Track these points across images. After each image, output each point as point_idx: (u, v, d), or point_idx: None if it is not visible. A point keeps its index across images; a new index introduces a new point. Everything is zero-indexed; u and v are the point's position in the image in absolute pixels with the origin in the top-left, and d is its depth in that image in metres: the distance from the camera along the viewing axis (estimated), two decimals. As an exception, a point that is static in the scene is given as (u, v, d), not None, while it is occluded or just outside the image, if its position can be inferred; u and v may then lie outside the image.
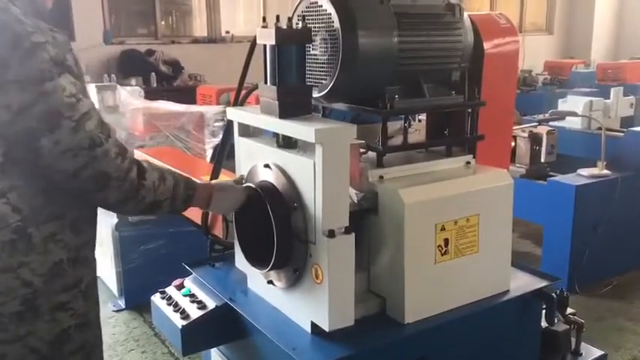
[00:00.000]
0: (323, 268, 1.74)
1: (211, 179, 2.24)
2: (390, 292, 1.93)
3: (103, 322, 3.60)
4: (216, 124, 3.94)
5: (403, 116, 2.21)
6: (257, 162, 1.96)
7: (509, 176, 2.08)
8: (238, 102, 2.18)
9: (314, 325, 1.83)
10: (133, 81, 7.83)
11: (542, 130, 4.32)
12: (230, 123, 2.14)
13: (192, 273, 2.32)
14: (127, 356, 3.38)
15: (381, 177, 1.95)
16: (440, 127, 2.18)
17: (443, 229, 1.92)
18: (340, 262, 1.74)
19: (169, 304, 2.20)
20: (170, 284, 2.29)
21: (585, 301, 4.01)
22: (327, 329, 1.77)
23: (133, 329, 3.66)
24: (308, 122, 1.75)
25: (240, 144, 2.09)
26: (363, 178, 1.93)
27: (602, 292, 4.17)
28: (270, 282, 1.98)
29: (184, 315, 2.11)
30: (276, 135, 1.92)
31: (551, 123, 4.88)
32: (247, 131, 2.07)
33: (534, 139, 4.38)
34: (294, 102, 1.82)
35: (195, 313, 2.12)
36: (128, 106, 3.65)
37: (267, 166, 1.91)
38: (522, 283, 2.19)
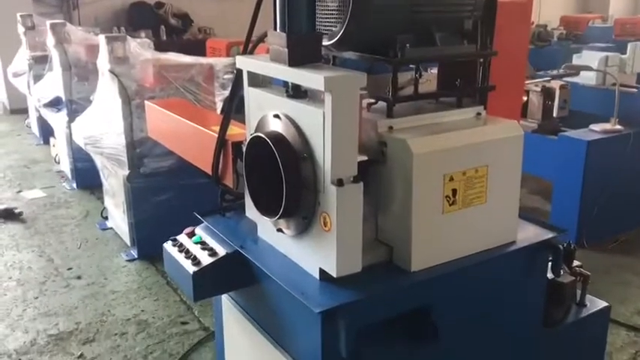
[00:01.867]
0: (331, 216, 1.76)
1: (221, 130, 2.25)
2: (398, 240, 1.96)
3: (116, 272, 3.72)
4: (226, 76, 3.92)
5: (414, 66, 2.20)
6: (267, 112, 1.97)
7: (520, 128, 2.07)
8: (248, 50, 2.17)
9: (322, 272, 1.87)
10: (143, 34, 7.78)
11: (555, 84, 4.28)
12: (239, 72, 2.14)
13: (203, 222, 2.36)
14: (141, 303, 3.47)
15: (391, 127, 1.95)
16: (451, 77, 2.16)
17: (451, 179, 1.93)
18: (348, 211, 1.76)
19: (181, 251, 2.25)
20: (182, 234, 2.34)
21: (593, 256, 4.04)
22: (334, 275, 1.80)
23: (145, 278, 3.74)
24: (318, 70, 1.75)
25: (250, 94, 2.09)
26: (372, 129, 1.94)
27: (609, 248, 4.20)
28: (279, 230, 2.01)
29: (195, 261, 2.15)
30: (285, 85, 1.91)
31: (565, 79, 4.83)
32: (257, 81, 2.07)
33: (547, 94, 4.35)
34: (303, 49, 1.81)
35: (206, 259, 2.16)
36: (138, 58, 3.64)
37: (276, 116, 1.91)
38: (529, 234, 2.21)
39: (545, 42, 8.81)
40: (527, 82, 4.48)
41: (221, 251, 2.18)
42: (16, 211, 4.72)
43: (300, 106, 1.82)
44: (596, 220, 4.12)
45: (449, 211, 1.95)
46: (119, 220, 4.15)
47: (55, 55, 5.05)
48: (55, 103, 5.29)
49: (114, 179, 4.02)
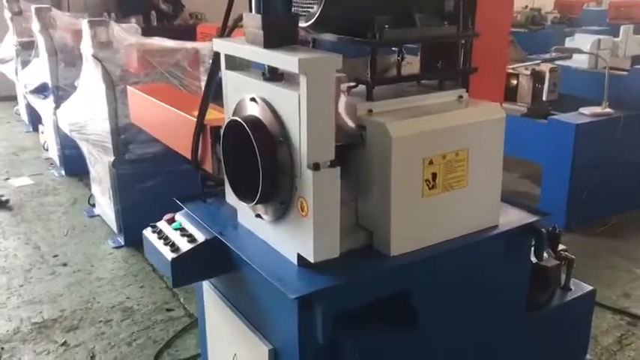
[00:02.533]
0: (308, 200, 1.74)
1: (199, 115, 2.22)
2: (377, 225, 1.94)
3: (102, 259, 3.69)
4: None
5: (397, 49, 2.17)
6: (244, 96, 1.93)
7: (502, 110, 2.04)
8: (225, 33, 2.13)
9: (300, 257, 1.84)
10: (133, 20, 7.68)
11: (545, 67, 4.25)
12: (217, 56, 2.10)
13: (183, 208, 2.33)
14: (126, 290, 3.45)
15: (370, 110, 1.92)
16: (433, 60, 2.12)
17: (431, 163, 1.90)
18: (325, 195, 1.73)
19: (160, 238, 2.22)
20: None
21: (582, 240, 4.03)
22: (312, 260, 1.78)
23: (131, 265, 3.72)
24: (293, 52, 1.71)
25: (228, 78, 2.05)
26: (351, 112, 1.91)
27: (599, 232, 4.19)
28: (258, 216, 1.98)
29: (174, 248, 2.13)
30: (263, 68, 1.88)
31: (557, 63, 4.78)
32: (234, 64, 2.03)
33: (536, 77, 4.32)
34: (279, 31, 1.78)
35: (185, 246, 2.14)
36: (122, 42, 3.58)
37: (253, 99, 1.88)
38: (512, 218, 2.19)
39: (538, 26, 8.74)
40: (517, 65, 4.45)
41: (200, 237, 2.16)
42: (3, 199, 4.68)
43: (276, 89, 1.79)
44: (586, 204, 4.11)
45: (429, 195, 1.92)
46: (106, 207, 4.12)
47: (40, 41, 4.99)
48: (41, 90, 5.23)
49: (100, 166, 3.99)
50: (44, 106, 5.21)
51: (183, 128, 2.41)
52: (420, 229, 1.95)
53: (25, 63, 5.94)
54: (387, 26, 1.88)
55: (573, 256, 2.54)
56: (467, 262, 2.04)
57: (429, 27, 1.97)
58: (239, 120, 1.86)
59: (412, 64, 2.23)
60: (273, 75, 1.84)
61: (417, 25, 1.94)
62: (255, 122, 1.83)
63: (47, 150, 5.79)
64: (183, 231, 2.22)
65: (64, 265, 3.73)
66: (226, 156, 2.01)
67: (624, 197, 4.41)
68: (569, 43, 5.34)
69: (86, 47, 3.61)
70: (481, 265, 2.09)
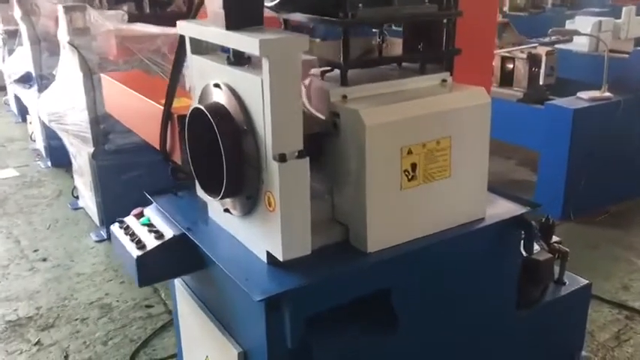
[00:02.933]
0: (275, 195, 1.61)
1: (166, 103, 2.09)
2: (353, 220, 1.81)
3: (83, 253, 3.57)
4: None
5: (377, 30, 2.03)
6: (209, 82, 1.80)
7: (487, 95, 1.90)
8: (191, 15, 1.99)
9: (270, 255, 1.72)
10: (125, 7, 7.50)
11: (542, 50, 4.09)
12: (182, 39, 1.96)
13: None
14: (106, 286, 3.33)
15: (344, 96, 1.78)
16: (414, 41, 1.98)
17: (410, 152, 1.77)
18: (293, 189, 1.60)
19: (127, 234, 2.10)
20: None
21: (580, 229, 3.90)
22: (281, 259, 1.66)
23: (113, 260, 3.60)
24: (256, 33, 1.58)
25: (193, 62, 1.92)
26: (324, 98, 1.78)
27: (597, 220, 4.04)
28: (226, 210, 1.86)
29: (140, 245, 2.01)
30: (228, 52, 1.75)
31: (558, 46, 4.62)
32: (200, 48, 1.89)
33: (533, 61, 4.16)
34: (242, 11, 1.64)
35: (151, 243, 2.02)
36: (99, 29, 3.44)
37: (217, 85, 1.75)
38: (500, 210, 2.05)
39: (539, 9, 8.54)
40: (512, 48, 4.29)
41: (168, 233, 2.03)
42: (-14, 191, 4.59)
43: (240, 74, 1.66)
44: (584, 192, 3.97)
45: (408, 187, 1.79)
46: (88, 199, 4.00)
47: (22, 29, 4.85)
48: (26, 79, 5.09)
49: (80, 157, 3.86)
50: (29, 95, 5.08)
51: (152, 117, 2.28)
52: (399, 224, 1.82)
53: (11, 52, 5.80)
54: (360, 4, 1.74)
55: (567, 249, 2.40)
56: (451, 258, 1.91)
57: (406, 5, 1.83)
58: (201, 108, 1.73)
59: (395, 46, 2.10)
60: (238, 59, 1.71)
61: (394, 3, 1.80)
62: (218, 110, 1.70)
63: (34, 141, 5.67)
64: (151, 227, 2.09)
65: (44, 260, 3.62)
66: (192, 146, 1.88)
67: (624, 185, 4.25)
68: (569, 25, 5.17)
69: (62, 34, 3.47)
70: (466, 260, 1.96)
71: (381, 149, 1.72)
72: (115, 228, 2.17)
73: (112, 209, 3.74)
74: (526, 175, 4.79)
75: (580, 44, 4.89)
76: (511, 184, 4.52)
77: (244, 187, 1.72)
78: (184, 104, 2.14)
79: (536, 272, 2.30)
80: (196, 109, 1.75)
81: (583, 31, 4.74)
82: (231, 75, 1.69)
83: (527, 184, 4.46)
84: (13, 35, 5.84)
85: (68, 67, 3.56)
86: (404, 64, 2.01)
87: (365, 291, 1.78)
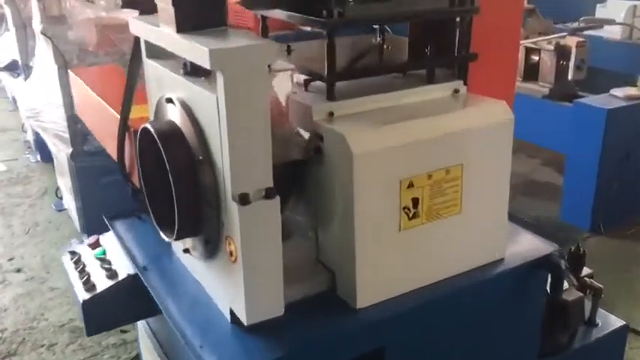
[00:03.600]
0: (236, 243, 1.27)
1: (122, 113, 1.75)
2: (340, 267, 1.47)
3: (61, 263, 3.23)
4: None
5: (377, 27, 1.68)
6: (164, 94, 1.46)
7: (508, 110, 1.53)
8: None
9: (233, 313, 1.38)
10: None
11: (571, 41, 3.67)
12: (137, 40, 1.62)
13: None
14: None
15: (331, 114, 1.43)
16: (421, 43, 1.62)
17: (411, 185, 1.41)
18: (259, 237, 1.26)
19: (77, 269, 1.78)
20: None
21: (611, 245, 3.49)
22: (244, 322, 1.32)
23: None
24: (210, 39, 1.22)
25: (149, 68, 1.57)
26: (306, 116, 1.42)
27: (630, 233, 3.62)
28: (186, 251, 1.52)
29: (89, 285, 1.69)
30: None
31: (587, 33, 4.18)
32: (156, 51, 1.54)
33: (561, 53, 3.74)
34: (197, 7, 1.29)
35: (102, 283, 1.70)
36: (77, 17, 3.11)
37: (169, 100, 1.40)
38: (523, 247, 1.69)
39: (566, -9, 8.03)
40: (538, 39, 3.87)
41: (122, 272, 1.71)
42: (-32, 189, 4.31)
43: (195, 89, 1.31)
44: (616, 200, 3.56)
45: (409, 227, 1.44)
46: (70, 202, 3.69)
47: (7, 12, 4.51)
48: (13, 67, 4.76)
49: (61, 157, 3.55)
50: (15, 84, 4.76)
51: (112, 128, 1.95)
52: (396, 272, 1.47)
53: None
54: (351, 0, 1.37)
55: (601, 285, 2.04)
56: (461, 309, 1.56)
57: (410, 0, 1.46)
58: (149, 128, 1.39)
59: (400, 47, 1.73)
60: (195, 69, 1.35)
61: (393, -1, 1.43)
62: (168, 133, 1.36)
63: (25, 132, 5.37)
64: (104, 262, 1.77)
65: (18, 271, 3.32)
66: (144, 171, 1.54)
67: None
68: (600, 10, 4.71)
69: (35, 22, 3.14)
70: (480, 309, 1.60)
71: (374, 182, 1.36)
72: (66, 260, 1.86)
73: (93, 215, 3.43)
74: (551, 176, 4.38)
75: (612, 31, 4.44)
76: (534, 187, 4.13)
77: (202, 228, 1.39)
78: (142, 115, 1.80)
79: (564, 314, 1.94)
80: (144, 130, 1.42)
81: (615, 17, 4.30)
82: (186, 89, 1.35)
83: (551, 188, 4.06)
84: (1, 19, 5.52)
85: (43, 59, 3.23)
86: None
87: (352, 355, 1.44)
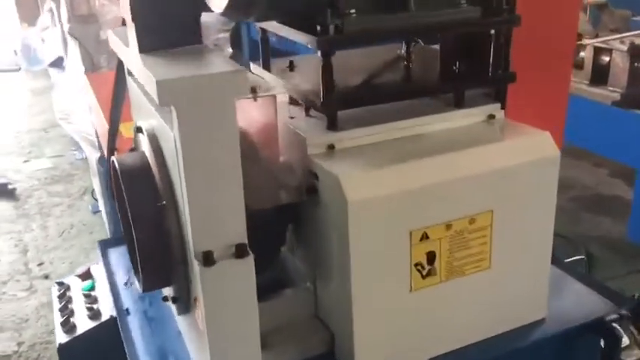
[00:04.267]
0: (200, 307, 1.05)
1: (109, 136, 1.57)
2: (338, 327, 1.23)
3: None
4: (221, 35, 3.19)
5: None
6: (137, 120, 1.26)
7: (552, 144, 1.24)
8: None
9: (208, 382, 1.17)
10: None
11: (648, 41, 3.25)
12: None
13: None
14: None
15: (331, 146, 1.19)
16: (452, 57, 1.35)
17: (425, 237, 1.15)
18: (226, 303, 1.04)
19: (61, 302, 1.62)
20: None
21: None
22: (213, 400, 1.10)
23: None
24: (171, 63, 1.01)
25: (131, 89, 1.38)
26: (300, 149, 1.19)
27: None
28: (164, 299, 1.32)
29: (68, 326, 1.52)
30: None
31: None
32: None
33: (636, 53, 3.32)
34: (163, 22, 1.07)
35: (82, 324, 1.53)
36: (106, 16, 2.98)
37: (139, 130, 1.20)
38: (570, 303, 1.41)
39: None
40: (609, 37, 3.46)
41: (106, 312, 1.53)
42: (10, 187, 4.29)
43: (159, 119, 1.09)
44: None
45: (422, 287, 1.18)
46: (102, 205, 3.60)
47: (53, 6, 4.47)
48: (59, 63, 4.75)
49: (92, 160, 3.45)
50: (62, 80, 4.74)
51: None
52: (407, 338, 1.22)
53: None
54: (353, 11, 1.12)
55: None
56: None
57: (430, 10, 1.18)
58: (115, 162, 1.19)
59: (430, 60, 1.47)
60: (166, 93, 1.14)
61: (410, 9, 1.16)
62: (132, 170, 1.15)
63: (75, 127, 5.36)
64: (89, 298, 1.60)
65: (45, 277, 3.25)
66: (120, 206, 1.35)
67: None
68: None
69: (64, 22, 3.03)
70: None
71: (375, 234, 1.11)
72: (54, 292, 1.70)
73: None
74: (620, 189, 3.96)
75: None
76: (599, 202, 3.73)
77: (169, 282, 1.18)
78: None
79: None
80: (112, 163, 1.22)
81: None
82: (154, 117, 1.13)
83: (620, 204, 3.65)
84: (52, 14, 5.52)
85: (73, 60, 3.12)
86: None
87: None
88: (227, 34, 3.41)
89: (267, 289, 1.31)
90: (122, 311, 1.47)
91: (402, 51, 1.50)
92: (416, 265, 1.16)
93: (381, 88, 1.30)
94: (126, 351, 1.33)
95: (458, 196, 1.16)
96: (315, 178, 1.17)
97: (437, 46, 1.42)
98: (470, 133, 1.27)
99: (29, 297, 3.10)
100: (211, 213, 0.99)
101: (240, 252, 1.02)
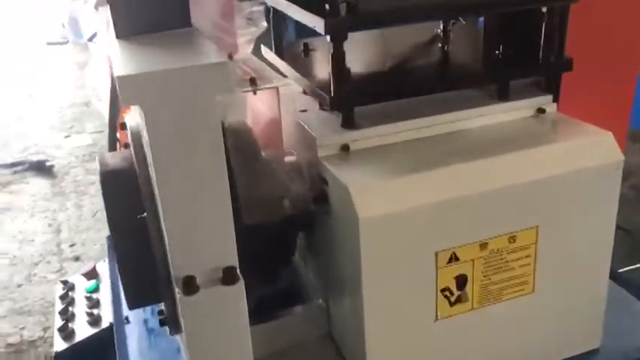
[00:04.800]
0: (183, 338, 0.91)
1: (109, 128, 1.43)
2: (351, 355, 1.06)
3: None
4: (255, 8, 3.01)
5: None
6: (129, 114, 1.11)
7: (615, 146, 1.02)
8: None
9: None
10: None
11: None
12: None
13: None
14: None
15: (345, 147, 1.01)
16: (497, 40, 1.14)
17: (454, 259, 0.97)
18: (212, 335, 0.88)
19: (63, 303, 1.51)
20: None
21: None
22: None
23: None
24: (144, 51, 0.84)
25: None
26: (309, 148, 1.02)
27: None
28: (160, 312, 1.18)
29: (67, 331, 1.40)
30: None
31: None
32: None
33: None
34: (143, 1, 0.90)
35: (81, 330, 1.41)
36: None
37: (123, 126, 1.05)
38: (630, 328, 1.20)
39: None
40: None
41: (107, 318, 1.41)
42: (48, 164, 4.26)
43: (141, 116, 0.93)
44: None
45: (449, 315, 1.00)
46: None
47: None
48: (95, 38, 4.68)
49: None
50: (95, 55, 4.66)
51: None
52: (431, 373, 1.04)
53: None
54: (370, -15, 0.92)
55: None
56: None
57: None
58: (98, 163, 1.04)
59: (468, 43, 1.26)
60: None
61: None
62: (112, 173, 1.00)
63: (115, 103, 5.32)
64: (91, 301, 1.48)
65: (76, 259, 3.19)
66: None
67: None
68: None
69: (91, -4, 2.91)
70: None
71: (393, 256, 0.94)
72: (57, 290, 1.59)
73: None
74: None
75: None
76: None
77: (160, 298, 1.03)
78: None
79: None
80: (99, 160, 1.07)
81: None
82: (137, 112, 0.98)
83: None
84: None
85: (103, 36, 3.00)
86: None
87: None
88: (262, 7, 3.22)
89: (274, 304, 1.17)
90: (120, 319, 1.34)
91: (440, 30, 1.30)
92: (443, 290, 0.98)
93: (407, 80, 1.10)
94: (117, 362, 1.21)
95: (496, 209, 0.97)
96: (325, 184, 0.99)
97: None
98: (514, 132, 1.07)
99: (58, 280, 3.06)
100: (192, 231, 0.83)
101: (228, 277, 0.85)
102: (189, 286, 0.84)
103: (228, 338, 0.89)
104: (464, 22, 1.32)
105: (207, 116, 0.78)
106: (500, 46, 1.09)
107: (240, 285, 0.86)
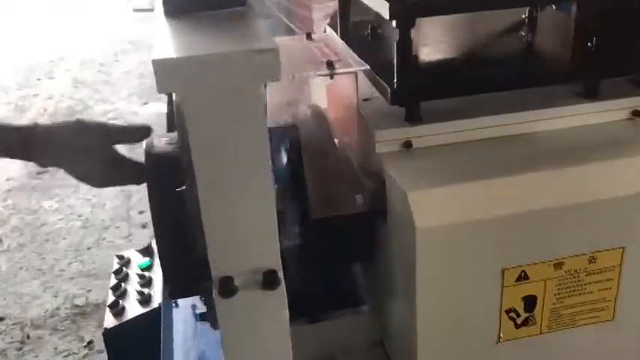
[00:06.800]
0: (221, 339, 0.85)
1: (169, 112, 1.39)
2: (401, 370, 0.99)
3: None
4: (333, -17, 2.89)
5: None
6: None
7: None
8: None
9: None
10: None
11: None
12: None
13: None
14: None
15: (408, 144, 0.91)
16: (588, 33, 1.00)
17: (523, 277, 0.86)
18: (251, 341, 0.82)
19: (117, 278, 1.50)
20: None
21: None
22: None
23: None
24: (189, 32, 0.77)
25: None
26: (368, 143, 0.93)
27: None
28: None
29: (117, 308, 1.39)
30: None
31: None
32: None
33: None
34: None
35: (132, 308, 1.39)
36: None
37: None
38: None
39: None
40: None
41: (157, 298, 1.39)
42: (124, 130, 4.36)
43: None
44: None
45: (514, 338, 0.90)
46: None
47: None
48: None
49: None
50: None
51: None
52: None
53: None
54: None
55: None
56: None
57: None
58: (149, 144, 1.00)
59: (557, 33, 1.12)
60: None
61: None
62: (159, 157, 0.96)
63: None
64: (144, 279, 1.46)
65: (143, 227, 3.24)
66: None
67: None
68: None
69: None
70: None
71: (453, 271, 0.84)
72: (114, 264, 1.59)
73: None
74: None
75: None
76: None
77: (198, 292, 0.99)
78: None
79: None
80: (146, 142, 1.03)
81: None
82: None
83: None
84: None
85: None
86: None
87: None
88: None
89: (328, 305, 1.10)
90: (168, 302, 1.31)
91: (525, 16, 1.16)
92: (508, 311, 0.88)
93: (482, 73, 0.99)
94: (161, 347, 1.18)
95: (576, 226, 0.85)
96: (382, 186, 0.90)
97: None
98: (602, 137, 0.93)
99: (124, 246, 3.13)
100: (232, 231, 0.77)
101: (268, 281, 0.79)
102: (227, 288, 0.78)
103: (266, 344, 0.82)
104: (554, 8, 1.18)
105: (250, 108, 0.70)
106: (594, 38, 0.95)
107: (282, 289, 0.79)
